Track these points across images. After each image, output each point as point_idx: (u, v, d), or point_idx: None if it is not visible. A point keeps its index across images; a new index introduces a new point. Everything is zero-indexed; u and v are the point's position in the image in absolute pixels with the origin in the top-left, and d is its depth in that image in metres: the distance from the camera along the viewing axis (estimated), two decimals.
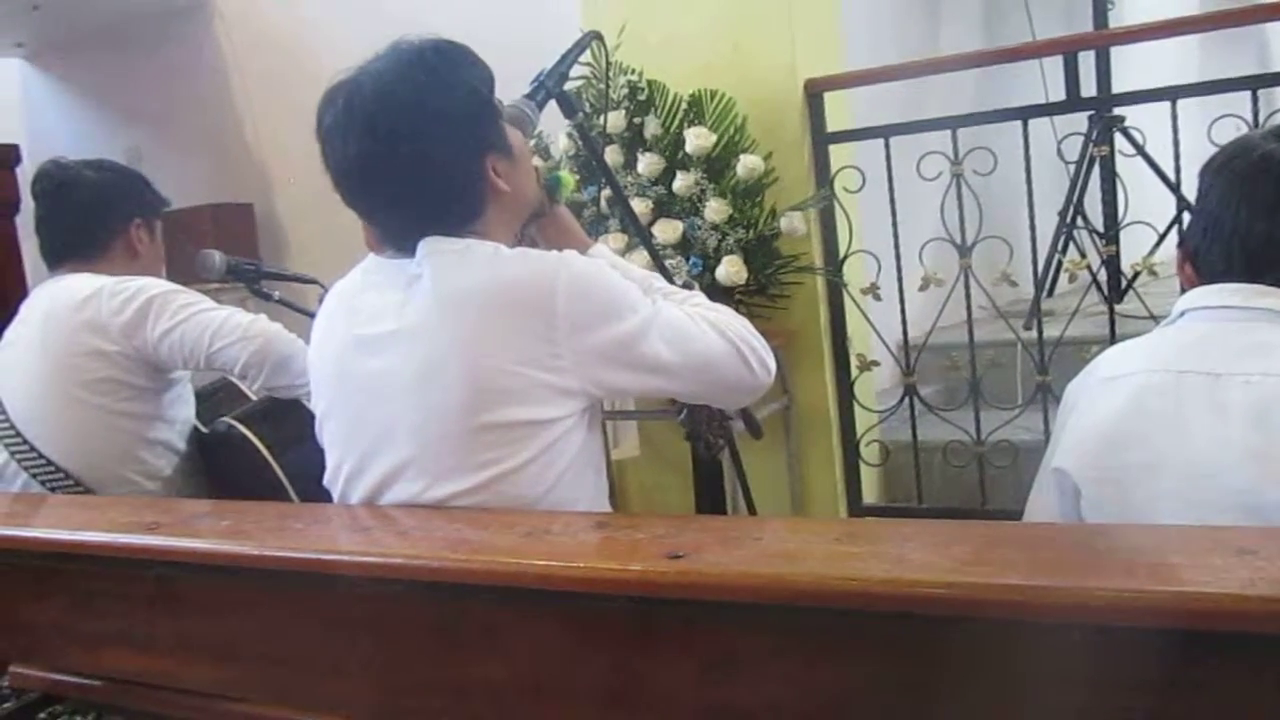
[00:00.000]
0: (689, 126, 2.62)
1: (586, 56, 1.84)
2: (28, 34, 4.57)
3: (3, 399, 1.97)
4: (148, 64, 4.49)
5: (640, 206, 2.60)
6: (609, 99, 2.63)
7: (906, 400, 2.83)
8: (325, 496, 1.42)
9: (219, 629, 1.26)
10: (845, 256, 2.81)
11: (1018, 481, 2.57)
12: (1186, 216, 2.56)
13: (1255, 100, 2.38)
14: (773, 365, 1.39)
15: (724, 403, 1.62)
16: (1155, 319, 2.44)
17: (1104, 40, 3.43)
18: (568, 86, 1.66)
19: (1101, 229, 3.39)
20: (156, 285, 1.96)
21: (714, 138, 2.61)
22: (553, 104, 1.64)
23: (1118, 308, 2.71)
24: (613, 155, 2.67)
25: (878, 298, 2.79)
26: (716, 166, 2.62)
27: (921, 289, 2.73)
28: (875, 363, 2.87)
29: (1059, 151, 2.75)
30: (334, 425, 1.38)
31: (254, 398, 2.13)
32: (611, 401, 2.72)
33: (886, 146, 2.72)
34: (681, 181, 2.59)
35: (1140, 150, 2.99)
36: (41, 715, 1.43)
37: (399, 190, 1.29)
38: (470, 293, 1.25)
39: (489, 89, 1.35)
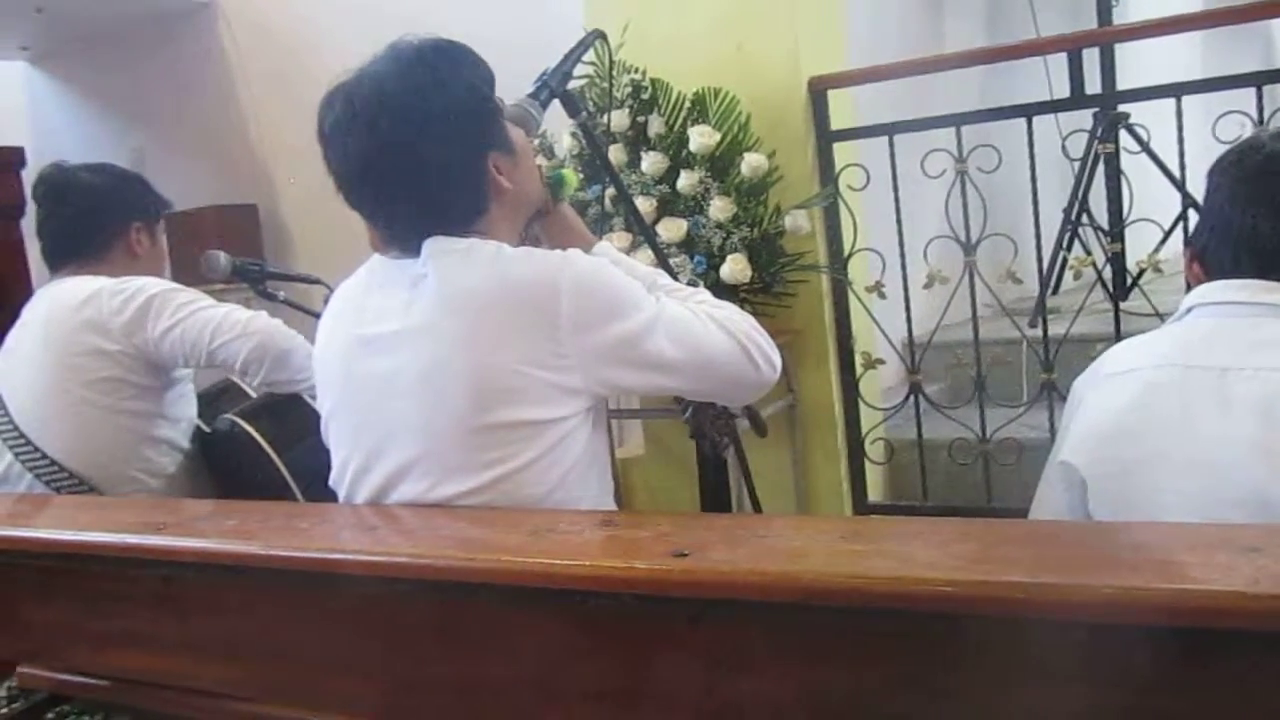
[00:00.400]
0: (693, 125, 2.62)
1: (590, 55, 1.84)
2: (32, 36, 4.58)
3: (6, 401, 1.98)
4: (151, 66, 4.50)
5: (644, 205, 2.60)
6: (612, 98, 2.63)
7: (911, 398, 2.83)
8: (329, 492, 1.42)
9: (225, 628, 1.26)
10: (850, 254, 2.81)
11: (1023, 479, 2.57)
12: (1191, 213, 2.56)
13: (1260, 96, 2.37)
14: (778, 361, 1.39)
15: (730, 400, 1.62)
16: (1160, 316, 2.44)
17: (1108, 37, 3.42)
18: (571, 85, 1.67)
19: (1106, 226, 3.38)
20: (156, 284, 1.97)
21: (718, 136, 2.60)
22: (556, 103, 1.64)
23: (1123, 305, 2.71)
24: (616, 154, 2.67)
25: (882, 296, 2.78)
26: (720, 165, 2.62)
27: (926, 287, 2.72)
28: (880, 361, 2.87)
29: (1063, 149, 2.75)
30: (339, 425, 1.38)
31: (254, 396, 2.14)
32: (616, 400, 2.72)
33: (891, 144, 2.71)
34: (685, 180, 2.59)
35: (1145, 147, 2.98)
36: (49, 715, 1.43)
37: (401, 190, 1.29)
38: (474, 292, 1.25)
39: (490, 88, 1.35)
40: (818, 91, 2.79)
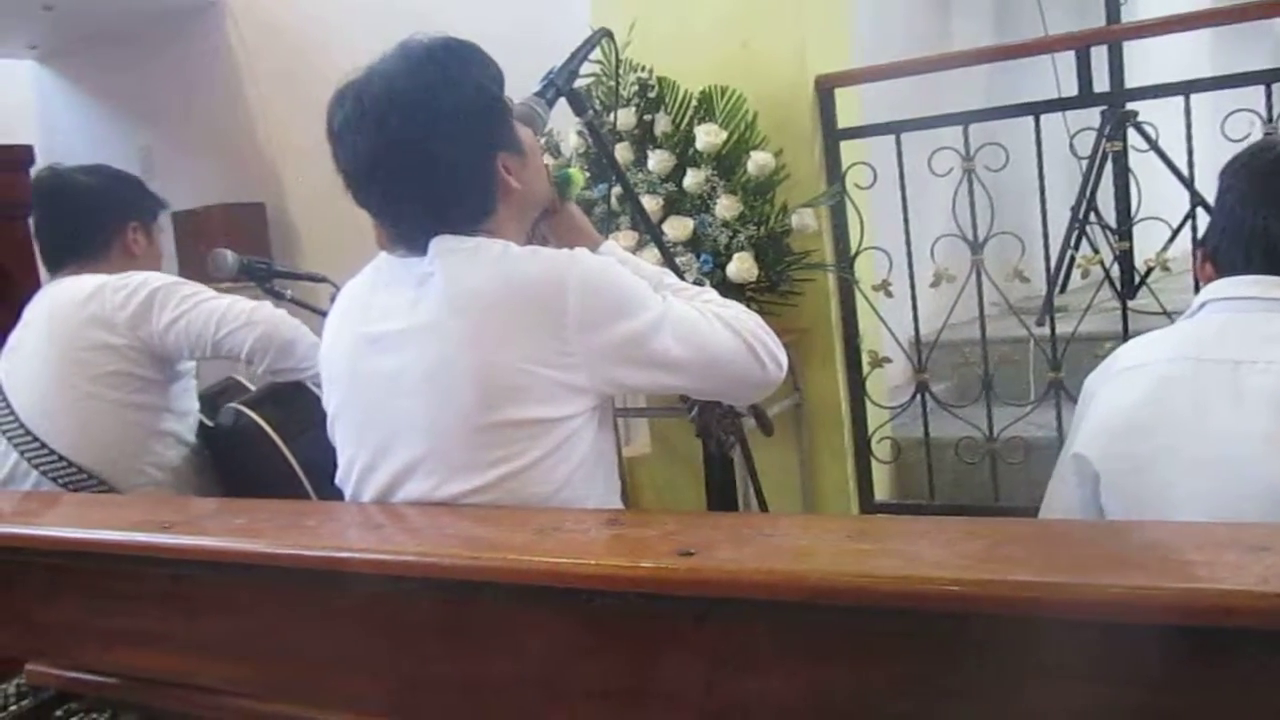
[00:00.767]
0: (699, 123, 2.62)
1: (596, 54, 1.83)
2: (40, 35, 4.59)
3: (11, 400, 1.99)
4: (159, 64, 4.50)
5: (651, 204, 2.60)
6: (619, 96, 2.63)
7: (918, 397, 2.83)
8: (336, 487, 1.42)
9: (232, 627, 1.26)
10: (856, 253, 2.81)
11: (1030, 478, 2.57)
12: (1200, 212, 2.55)
13: (1269, 94, 2.36)
14: (785, 360, 1.39)
15: (736, 399, 1.62)
16: (1168, 314, 2.44)
17: (1116, 35, 3.41)
18: (578, 84, 1.67)
19: (1114, 224, 3.37)
20: (159, 277, 1.99)
21: (724, 134, 2.60)
22: (563, 102, 1.64)
23: (1131, 303, 2.70)
24: (623, 153, 2.67)
25: (889, 294, 2.78)
26: (727, 163, 2.62)
27: (933, 285, 2.72)
28: (887, 359, 2.87)
29: (1071, 147, 2.74)
30: (346, 423, 1.38)
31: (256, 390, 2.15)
32: (623, 398, 2.72)
33: (898, 142, 2.71)
34: (692, 178, 2.59)
35: (1153, 145, 2.97)
36: (57, 713, 1.44)
37: (409, 189, 1.29)
38: (481, 291, 1.25)
39: (499, 87, 1.35)
40: (824, 90, 2.79)
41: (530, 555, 1.01)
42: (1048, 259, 2.81)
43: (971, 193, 2.64)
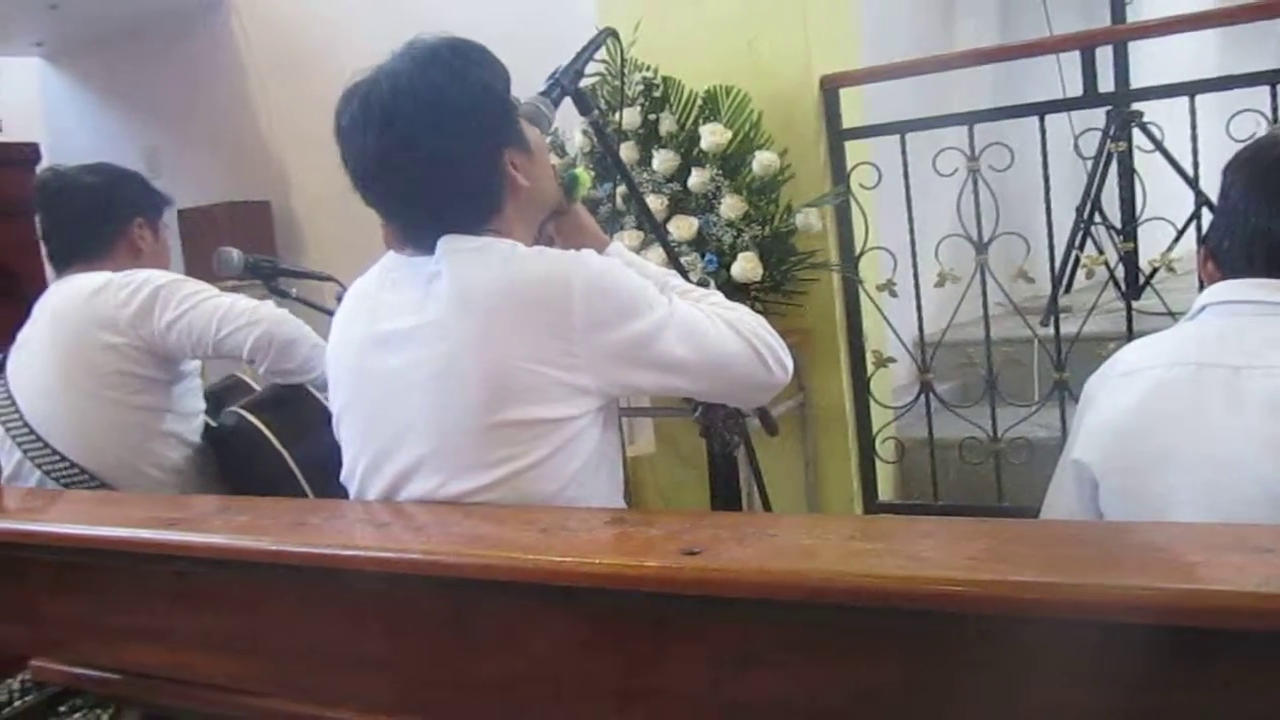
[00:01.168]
0: (704, 123, 2.62)
1: (601, 53, 1.84)
2: (46, 33, 4.60)
3: (17, 398, 1.99)
4: (165, 62, 4.51)
5: (655, 203, 2.60)
6: (624, 96, 2.63)
7: (922, 397, 2.83)
8: (337, 485, 1.43)
9: (236, 624, 1.27)
10: (861, 253, 2.80)
11: (1034, 479, 2.56)
12: (1205, 212, 2.54)
13: (1275, 95, 2.35)
14: (790, 364, 1.39)
15: (741, 401, 1.62)
16: (1173, 315, 2.43)
17: (1122, 35, 3.40)
18: (583, 83, 1.67)
19: (1119, 225, 3.36)
20: (162, 275, 1.98)
21: (729, 134, 2.60)
22: (568, 101, 1.64)
23: (1135, 304, 2.70)
24: (628, 152, 2.67)
25: (894, 294, 2.78)
26: (732, 163, 2.62)
27: (938, 285, 2.72)
28: (891, 359, 2.87)
29: (1076, 147, 2.74)
30: (351, 421, 1.39)
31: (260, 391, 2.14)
32: (627, 398, 2.72)
33: (902, 142, 2.71)
34: (697, 178, 2.59)
35: (1159, 146, 2.97)
36: (61, 708, 1.44)
37: (417, 188, 1.29)
38: (487, 291, 1.25)
39: (505, 86, 1.35)
40: (829, 90, 2.79)
41: (535, 554, 1.02)
42: (1052, 259, 2.81)
43: (976, 193, 2.63)
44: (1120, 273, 2.88)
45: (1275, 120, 2.35)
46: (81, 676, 1.42)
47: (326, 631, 1.19)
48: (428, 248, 1.31)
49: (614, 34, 1.80)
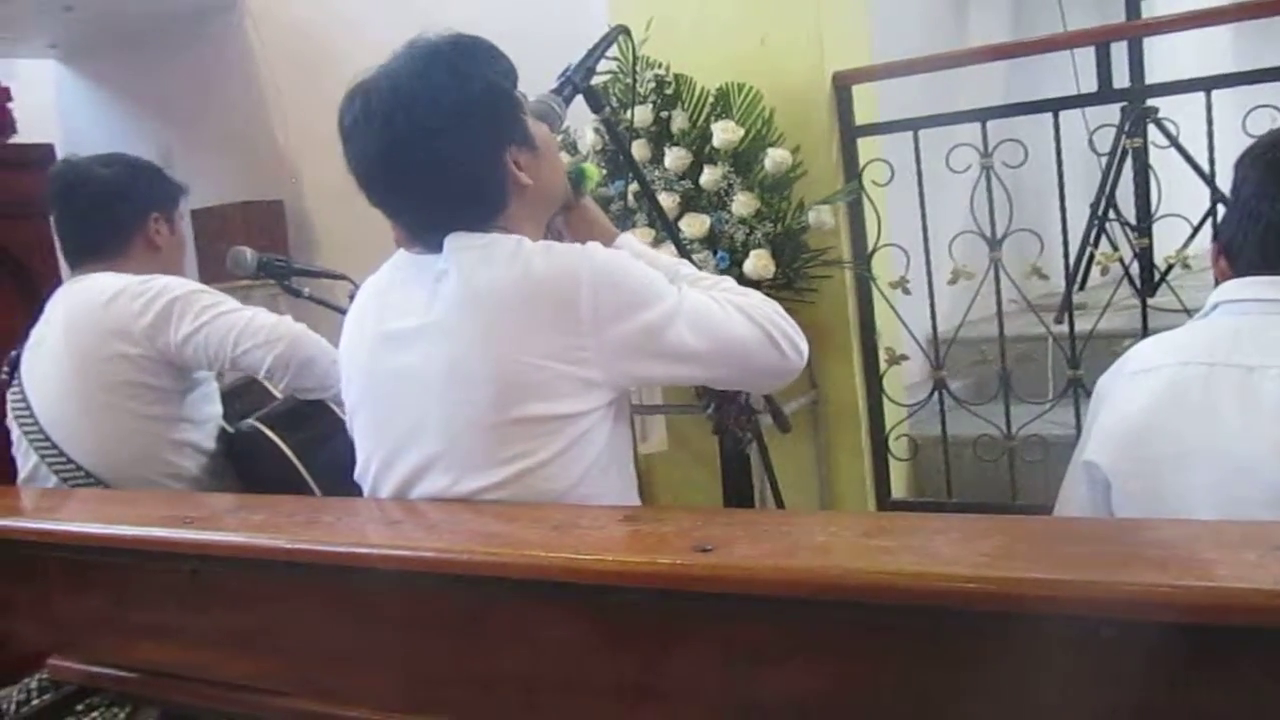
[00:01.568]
0: (716, 120, 2.62)
1: (613, 51, 1.84)
2: (61, 35, 4.61)
3: (31, 400, 1.98)
4: (179, 63, 4.53)
5: (667, 201, 2.60)
6: (635, 93, 2.63)
7: (936, 394, 2.82)
8: (353, 493, 1.43)
9: (251, 622, 1.27)
10: (874, 250, 2.80)
11: (1048, 476, 2.55)
12: (1220, 209, 2.53)
13: None
14: (804, 347, 1.37)
15: (756, 387, 1.61)
16: (1188, 312, 2.41)
17: (1137, 30, 3.38)
18: (594, 81, 1.67)
19: (1134, 221, 3.34)
20: (179, 285, 1.94)
21: (741, 131, 2.60)
22: (580, 99, 1.64)
23: (1150, 301, 2.68)
24: (640, 149, 2.67)
25: (907, 291, 2.77)
26: (744, 160, 2.61)
27: (951, 282, 2.71)
28: (904, 357, 2.86)
29: (1090, 143, 2.72)
30: (364, 419, 1.39)
31: (280, 396, 2.13)
32: (639, 395, 2.73)
33: (915, 139, 2.70)
34: (709, 175, 2.59)
35: (1174, 142, 2.95)
36: (78, 707, 1.45)
37: (421, 187, 1.30)
38: (494, 288, 1.25)
39: (510, 82, 1.35)
40: (842, 86, 2.78)
41: (547, 551, 1.02)
42: (1066, 256, 2.79)
43: (990, 189, 2.62)
44: (1135, 269, 2.87)
45: None
46: (98, 675, 1.43)
47: (340, 629, 1.20)
48: (435, 246, 1.31)
49: (626, 31, 1.79)
